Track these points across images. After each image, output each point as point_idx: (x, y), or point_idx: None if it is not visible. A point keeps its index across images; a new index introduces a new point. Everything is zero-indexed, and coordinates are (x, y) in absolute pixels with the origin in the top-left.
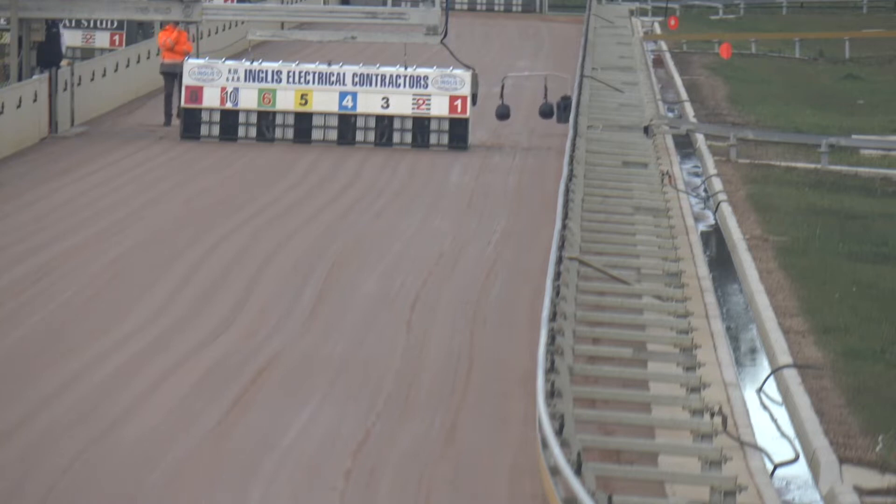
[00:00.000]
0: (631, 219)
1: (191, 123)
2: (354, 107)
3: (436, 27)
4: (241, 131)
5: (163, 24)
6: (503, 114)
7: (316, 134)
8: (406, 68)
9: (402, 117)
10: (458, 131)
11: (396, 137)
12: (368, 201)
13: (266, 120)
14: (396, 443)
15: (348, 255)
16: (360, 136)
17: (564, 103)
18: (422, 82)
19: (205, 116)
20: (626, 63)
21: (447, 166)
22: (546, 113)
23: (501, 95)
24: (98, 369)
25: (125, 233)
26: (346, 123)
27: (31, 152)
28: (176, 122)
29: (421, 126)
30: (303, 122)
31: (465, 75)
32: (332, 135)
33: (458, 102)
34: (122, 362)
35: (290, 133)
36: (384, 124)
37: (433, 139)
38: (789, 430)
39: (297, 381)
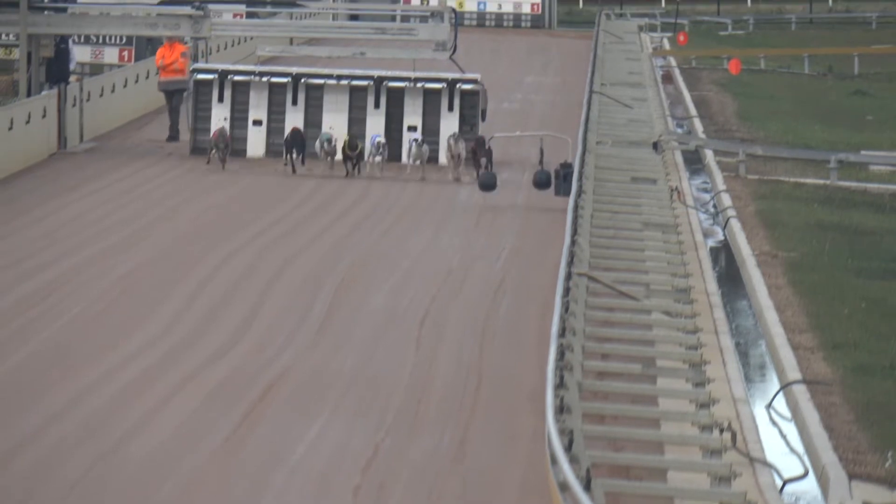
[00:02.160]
0: (640, 235)
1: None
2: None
3: (445, 43)
4: (250, 147)
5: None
6: (488, 183)
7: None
8: (415, 84)
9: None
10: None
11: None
12: (377, 217)
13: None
14: (405, 458)
15: (357, 272)
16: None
17: (565, 171)
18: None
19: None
20: (636, 79)
21: (455, 184)
22: (541, 183)
23: (489, 164)
24: (107, 385)
25: (134, 249)
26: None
27: (40, 168)
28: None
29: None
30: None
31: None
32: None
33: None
34: (131, 378)
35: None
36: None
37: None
38: (798, 445)
39: (306, 396)
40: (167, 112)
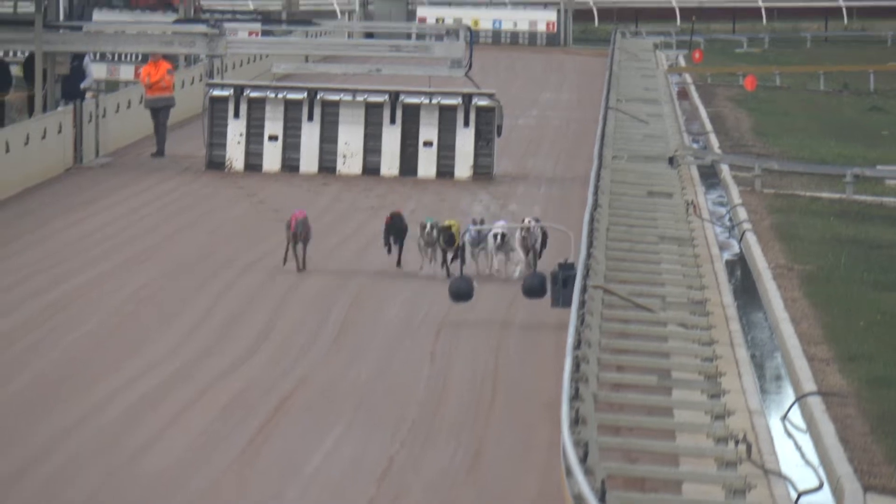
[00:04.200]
0: (656, 248)
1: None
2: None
3: (460, 60)
4: (266, 162)
5: (187, 58)
6: (461, 291)
7: (341, 164)
8: (431, 100)
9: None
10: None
11: (421, 170)
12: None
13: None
14: (420, 470)
15: (372, 283)
16: (384, 167)
17: (564, 274)
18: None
19: (229, 147)
20: (651, 95)
21: (471, 196)
22: (533, 290)
23: (462, 265)
24: (121, 398)
25: (149, 263)
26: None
27: (56, 183)
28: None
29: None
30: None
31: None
32: (357, 166)
33: None
34: (146, 392)
35: (314, 164)
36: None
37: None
38: (814, 457)
39: (321, 408)
40: (154, 129)
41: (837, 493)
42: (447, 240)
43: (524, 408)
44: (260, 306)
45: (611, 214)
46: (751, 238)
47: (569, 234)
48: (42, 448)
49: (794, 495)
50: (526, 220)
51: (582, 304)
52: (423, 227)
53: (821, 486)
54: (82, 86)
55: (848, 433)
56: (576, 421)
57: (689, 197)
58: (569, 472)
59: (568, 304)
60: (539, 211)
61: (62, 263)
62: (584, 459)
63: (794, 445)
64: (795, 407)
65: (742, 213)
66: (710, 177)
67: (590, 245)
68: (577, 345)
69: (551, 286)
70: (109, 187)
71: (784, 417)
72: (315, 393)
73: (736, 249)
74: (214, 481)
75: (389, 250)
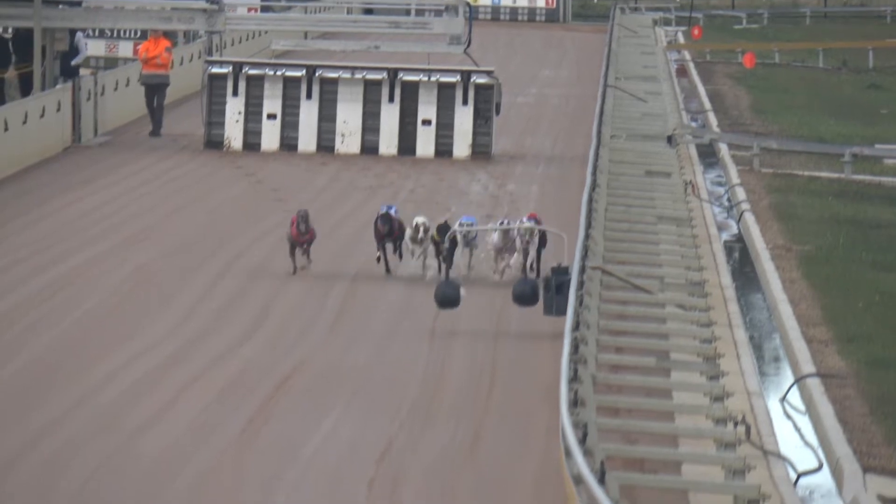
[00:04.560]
0: (654, 228)
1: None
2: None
3: (459, 37)
4: (264, 141)
5: (185, 35)
6: (448, 298)
7: (339, 143)
8: (429, 77)
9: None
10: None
11: (420, 149)
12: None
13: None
14: (419, 452)
15: (372, 264)
16: (383, 146)
17: (558, 280)
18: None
19: (228, 126)
20: (650, 72)
21: (470, 175)
22: (524, 297)
23: (447, 271)
24: (120, 379)
25: (148, 242)
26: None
27: (55, 162)
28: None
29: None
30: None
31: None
32: (356, 145)
33: None
34: (145, 372)
35: (313, 143)
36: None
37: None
38: (813, 439)
39: (319, 390)
40: (146, 107)
41: (837, 473)
42: (442, 231)
43: (523, 391)
44: (258, 287)
45: (609, 194)
46: (749, 218)
47: (562, 237)
48: (41, 429)
49: (793, 476)
50: (524, 221)
51: (580, 285)
52: (415, 227)
53: (820, 467)
54: (74, 62)
55: (847, 414)
56: (574, 402)
57: (687, 177)
58: (568, 453)
59: (562, 312)
60: (537, 191)
61: (60, 243)
62: (583, 441)
63: (793, 427)
64: (794, 388)
65: (740, 193)
66: (708, 156)
67: (588, 226)
68: (576, 326)
69: (544, 293)
70: (108, 166)
71: (783, 399)
72: (313, 375)
73: (734, 230)
74: (213, 463)
75: (383, 259)
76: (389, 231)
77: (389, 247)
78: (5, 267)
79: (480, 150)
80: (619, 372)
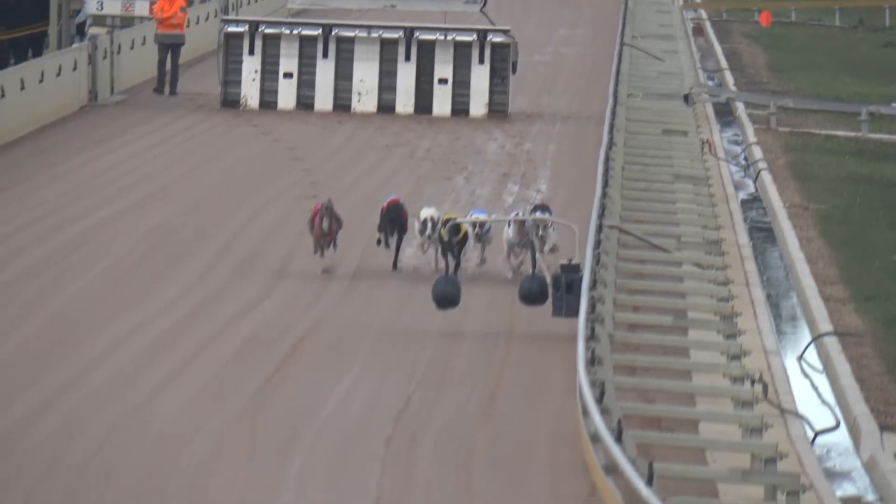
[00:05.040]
0: (671, 187)
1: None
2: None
3: None
4: (280, 100)
5: None
6: (448, 296)
7: (356, 102)
8: (446, 36)
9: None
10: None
11: (436, 107)
12: (409, 168)
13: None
14: (436, 411)
15: None
16: (399, 105)
17: (568, 277)
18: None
19: (244, 85)
20: (666, 31)
21: (486, 134)
22: (531, 296)
23: (446, 270)
24: (137, 339)
25: (164, 202)
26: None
27: (71, 121)
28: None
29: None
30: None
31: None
32: (372, 104)
33: None
34: (160, 332)
35: (329, 102)
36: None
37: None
38: (830, 397)
39: (336, 351)
40: (157, 66)
41: (854, 432)
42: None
43: (539, 351)
44: (274, 246)
45: (626, 153)
46: (766, 177)
47: (573, 229)
48: (56, 389)
49: (810, 435)
50: (538, 213)
51: (597, 243)
52: (423, 221)
53: (837, 426)
54: (77, 20)
55: (864, 373)
56: (592, 361)
57: (704, 135)
58: (585, 412)
59: (573, 313)
60: (554, 149)
61: (77, 202)
62: (600, 399)
63: (810, 385)
64: (811, 347)
65: (757, 152)
66: (725, 114)
67: (605, 184)
68: (593, 285)
69: (553, 291)
70: (124, 125)
71: (800, 357)
72: (330, 335)
73: (751, 189)
74: (230, 422)
75: (386, 243)
76: (396, 218)
77: (398, 244)
78: (22, 226)
79: (497, 109)
80: (636, 331)
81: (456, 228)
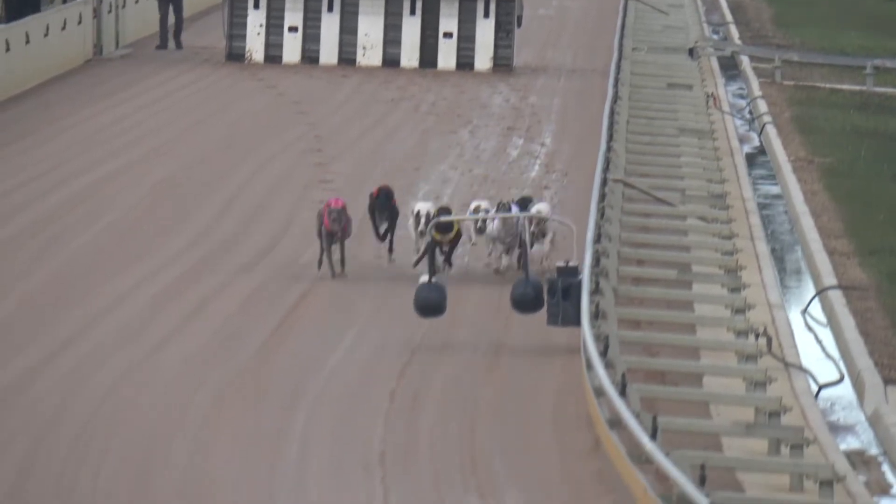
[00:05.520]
0: (676, 141)
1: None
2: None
3: None
4: (285, 54)
5: None
6: (431, 303)
7: (360, 55)
8: None
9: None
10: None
11: (441, 61)
12: (414, 122)
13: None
14: (441, 366)
15: (394, 175)
16: (404, 59)
17: (565, 282)
18: None
19: (249, 39)
20: None
21: (491, 88)
22: (526, 301)
23: (430, 273)
24: (142, 291)
25: (170, 155)
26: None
27: (76, 74)
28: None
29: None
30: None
31: None
32: (377, 57)
33: None
34: (167, 284)
35: (334, 55)
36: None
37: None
38: (834, 351)
39: (342, 304)
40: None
41: (858, 386)
42: (443, 228)
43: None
44: (279, 200)
45: (631, 107)
46: (771, 131)
47: (571, 228)
48: (63, 341)
49: (814, 388)
50: (537, 206)
51: (602, 197)
52: (416, 214)
53: (841, 379)
54: None
55: (868, 326)
56: (596, 315)
57: (709, 89)
58: (589, 366)
59: (570, 321)
60: (559, 103)
61: (82, 156)
62: (604, 353)
63: (814, 339)
64: (815, 300)
65: (762, 106)
66: (730, 68)
67: (610, 138)
68: (598, 238)
69: (548, 298)
70: (129, 79)
71: (804, 311)
72: (337, 288)
73: (756, 142)
74: (235, 374)
75: (379, 235)
76: (385, 206)
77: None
78: (27, 180)
79: (502, 63)
80: (640, 284)
81: (447, 226)
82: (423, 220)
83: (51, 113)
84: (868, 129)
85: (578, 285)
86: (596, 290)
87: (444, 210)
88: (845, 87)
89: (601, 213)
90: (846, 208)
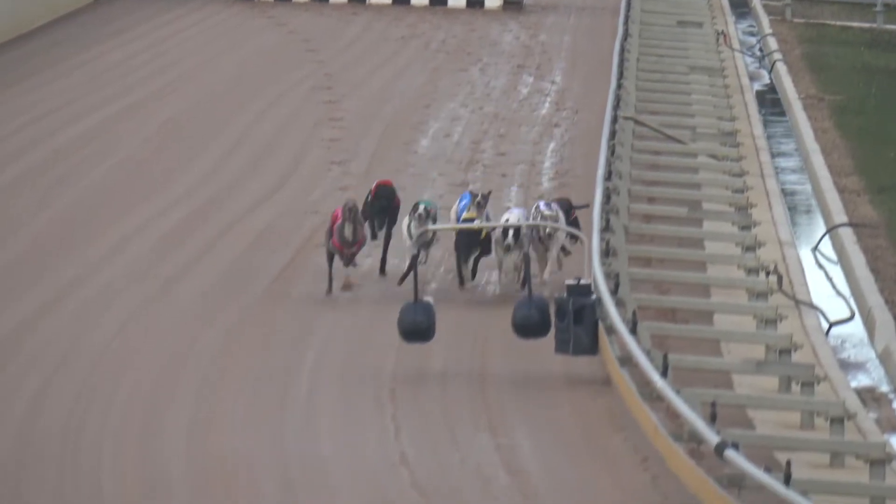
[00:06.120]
0: (686, 78)
1: None
2: None
3: None
4: None
5: None
6: (417, 327)
7: None
8: None
9: None
10: None
11: None
12: (424, 60)
13: None
14: (453, 302)
15: (404, 112)
16: None
17: (576, 303)
18: None
19: None
20: None
21: (501, 25)
22: (530, 325)
23: (415, 292)
24: (150, 231)
25: (178, 94)
26: None
27: (84, 14)
28: None
29: None
30: None
31: None
32: None
33: None
34: (176, 223)
35: None
36: None
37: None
38: (844, 288)
39: None
40: None
41: (868, 323)
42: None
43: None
44: (289, 138)
45: (641, 45)
46: (781, 68)
47: (582, 239)
48: (75, 278)
49: (825, 326)
50: (541, 205)
51: (612, 134)
52: (417, 209)
53: (852, 317)
54: None
55: (879, 264)
56: (606, 252)
57: (719, 27)
58: (600, 304)
59: (584, 349)
60: (569, 41)
61: (90, 95)
62: (614, 291)
63: (824, 276)
64: (826, 238)
65: (772, 43)
66: (740, 6)
67: (620, 76)
68: (608, 176)
69: (556, 321)
70: (139, 17)
71: (815, 249)
72: None
73: (766, 80)
74: (245, 310)
75: (374, 235)
76: (387, 205)
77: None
78: (37, 117)
79: (512, 1)
80: (651, 222)
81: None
82: (418, 215)
83: (59, 52)
84: (878, 66)
85: (592, 307)
86: (606, 228)
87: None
88: (855, 24)
89: (611, 151)
90: (856, 146)
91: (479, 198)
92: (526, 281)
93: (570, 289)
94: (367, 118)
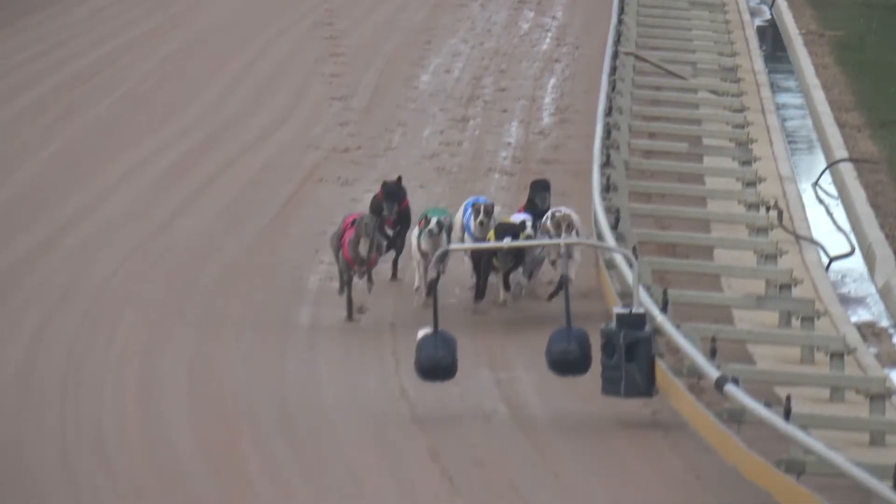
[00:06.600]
0: (687, 14)
1: None
2: None
3: None
4: None
5: None
6: (438, 364)
7: None
8: None
9: None
10: None
11: None
12: None
13: None
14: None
15: (405, 48)
16: None
17: (629, 338)
18: None
19: None
20: None
21: None
22: (569, 360)
23: (435, 322)
24: (153, 165)
25: (181, 28)
26: None
27: None
28: None
29: None
30: None
31: None
32: None
33: None
34: (177, 158)
35: None
36: None
37: None
38: (845, 223)
39: (351, 175)
40: None
41: (869, 258)
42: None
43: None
44: (290, 73)
45: None
46: (782, 4)
47: (628, 258)
48: (76, 213)
49: (825, 261)
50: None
51: (613, 70)
52: (428, 221)
53: (852, 252)
54: None
55: (879, 199)
56: (607, 188)
57: None
58: (600, 238)
59: (638, 390)
60: None
61: (92, 29)
62: (615, 226)
63: (825, 212)
64: (826, 173)
65: None
66: None
67: (621, 11)
68: (609, 111)
69: (604, 358)
70: None
71: (815, 184)
72: (348, 158)
73: (767, 15)
74: (248, 244)
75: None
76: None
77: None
78: (39, 53)
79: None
80: (651, 157)
81: (508, 230)
82: (437, 232)
83: None
84: (879, 1)
85: (648, 341)
86: (607, 163)
87: (505, 222)
88: None
89: (612, 86)
90: (857, 81)
91: (481, 216)
92: (564, 304)
93: (620, 319)
94: (367, 54)
